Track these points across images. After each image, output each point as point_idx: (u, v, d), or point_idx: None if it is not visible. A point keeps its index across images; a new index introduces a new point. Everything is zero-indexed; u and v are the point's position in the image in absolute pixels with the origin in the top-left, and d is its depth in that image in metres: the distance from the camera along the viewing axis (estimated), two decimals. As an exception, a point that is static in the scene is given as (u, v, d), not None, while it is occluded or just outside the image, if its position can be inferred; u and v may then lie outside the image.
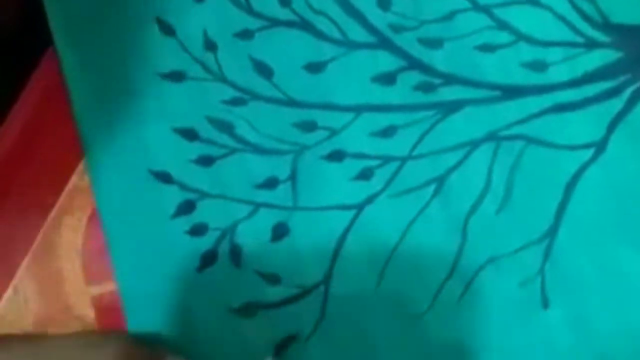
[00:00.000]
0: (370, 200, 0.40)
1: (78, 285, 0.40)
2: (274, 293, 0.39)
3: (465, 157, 0.40)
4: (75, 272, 0.40)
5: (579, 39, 0.40)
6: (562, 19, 0.40)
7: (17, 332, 0.39)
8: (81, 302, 0.40)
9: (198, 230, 0.39)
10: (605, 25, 0.40)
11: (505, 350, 0.38)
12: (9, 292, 0.40)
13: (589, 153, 0.39)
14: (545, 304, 0.39)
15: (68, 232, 0.40)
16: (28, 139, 0.40)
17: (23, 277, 0.40)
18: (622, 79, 0.40)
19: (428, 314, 0.39)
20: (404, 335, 0.38)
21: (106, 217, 0.40)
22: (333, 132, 0.40)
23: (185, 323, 0.39)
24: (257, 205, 0.40)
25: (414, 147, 0.40)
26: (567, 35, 0.40)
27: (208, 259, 0.39)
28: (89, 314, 0.39)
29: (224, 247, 0.39)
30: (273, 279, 0.39)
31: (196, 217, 0.40)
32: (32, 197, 0.40)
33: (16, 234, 0.40)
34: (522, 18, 0.40)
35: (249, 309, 0.39)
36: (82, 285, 0.40)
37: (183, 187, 0.40)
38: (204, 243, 0.39)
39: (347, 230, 0.40)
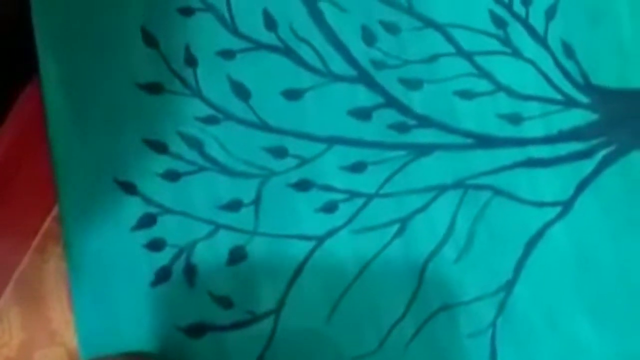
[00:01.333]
0: (331, 233, 0.40)
1: (62, 311, 0.40)
2: (225, 316, 0.39)
3: (431, 201, 0.40)
4: (60, 297, 0.40)
5: (558, 97, 0.40)
6: (543, 74, 0.40)
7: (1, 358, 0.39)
8: (65, 328, 0.39)
9: (156, 245, 0.39)
10: (586, 86, 0.40)
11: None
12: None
13: (555, 212, 0.39)
14: (493, 357, 0.39)
15: (53, 258, 0.40)
16: (17, 155, 0.40)
17: (7, 302, 0.40)
18: (595, 141, 0.40)
19: (376, 354, 0.39)
20: (349, 373, 0.38)
21: (67, 220, 0.40)
22: (303, 161, 0.40)
23: (134, 337, 0.39)
24: (218, 226, 0.40)
25: (382, 185, 0.40)
26: (547, 91, 0.40)
27: (162, 275, 0.39)
28: (74, 340, 0.39)
29: (179, 265, 0.39)
30: (225, 302, 0.39)
31: (156, 231, 0.39)
32: (17, 221, 0.40)
33: (1, 258, 0.40)
34: (504, 69, 0.40)
35: (197, 330, 0.39)
36: (66, 312, 0.39)
37: (146, 199, 0.40)
38: (160, 259, 0.39)
39: (305, 260, 0.39)
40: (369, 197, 0.40)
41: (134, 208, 0.40)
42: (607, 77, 0.40)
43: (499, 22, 0.40)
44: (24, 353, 0.40)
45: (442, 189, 0.40)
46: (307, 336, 0.39)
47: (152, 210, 0.40)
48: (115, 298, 0.39)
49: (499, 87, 0.40)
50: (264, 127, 0.40)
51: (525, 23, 0.40)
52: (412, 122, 0.40)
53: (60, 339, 0.40)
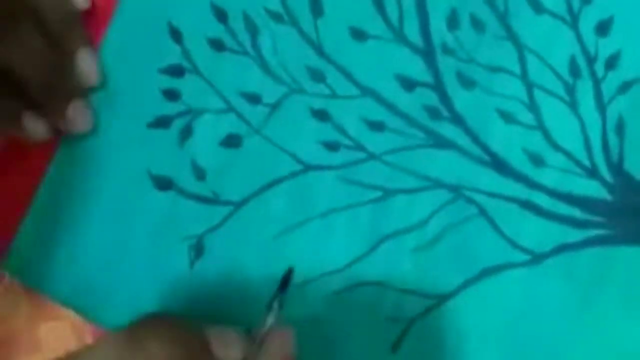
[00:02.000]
0: (319, 168, 0.41)
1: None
2: (194, 185, 0.41)
3: (422, 189, 0.40)
4: None
5: (586, 163, 0.40)
6: (585, 136, 0.40)
7: None
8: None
9: (173, 94, 0.41)
10: (617, 166, 0.39)
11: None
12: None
13: (523, 258, 0.39)
14: (394, 349, 0.39)
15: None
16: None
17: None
18: (597, 219, 0.39)
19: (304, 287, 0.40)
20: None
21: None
22: (333, 95, 0.41)
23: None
24: (230, 108, 0.41)
25: (388, 152, 0.41)
26: (579, 152, 0.40)
27: (162, 121, 0.41)
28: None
29: (181, 122, 0.41)
30: (200, 174, 0.41)
31: (177, 83, 0.41)
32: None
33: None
34: (554, 112, 0.40)
35: (164, 183, 0.42)
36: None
37: (185, 51, 0.41)
38: (169, 108, 0.41)
39: (283, 179, 0.41)
40: (371, 156, 0.41)
41: (172, 54, 0.41)
42: (638, 168, 0.39)
43: (575, 71, 0.40)
44: (31, 325, 0.41)
45: (437, 184, 0.40)
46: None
47: (186, 64, 0.42)
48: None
49: (540, 126, 0.40)
50: (318, 48, 0.41)
51: (597, 84, 0.40)
52: (446, 113, 0.41)
53: (65, 313, 0.41)
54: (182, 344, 0.32)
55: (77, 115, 0.40)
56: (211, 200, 0.41)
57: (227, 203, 0.41)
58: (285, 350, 0.35)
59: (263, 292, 0.38)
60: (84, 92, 0.41)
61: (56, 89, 0.39)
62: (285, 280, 0.36)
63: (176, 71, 0.42)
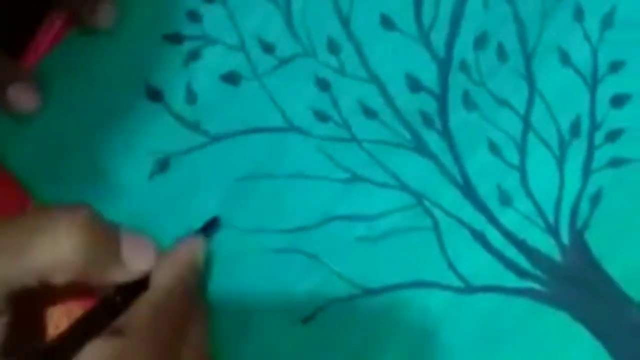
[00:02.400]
0: (300, 131, 0.41)
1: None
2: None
3: (388, 186, 0.41)
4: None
5: (550, 218, 0.40)
6: (560, 193, 0.40)
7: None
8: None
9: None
10: (578, 233, 0.40)
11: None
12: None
13: (457, 284, 0.40)
14: (306, 320, 0.39)
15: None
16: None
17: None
18: (536, 272, 0.39)
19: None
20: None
21: None
22: (341, 69, 0.42)
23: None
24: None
25: (370, 141, 0.41)
26: (548, 206, 0.40)
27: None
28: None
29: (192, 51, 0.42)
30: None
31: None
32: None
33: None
34: (538, 161, 0.40)
35: (155, 94, 0.42)
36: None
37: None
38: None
39: (264, 128, 0.42)
40: (353, 139, 0.41)
41: None
42: (599, 245, 0.39)
43: (575, 130, 0.41)
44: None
45: (403, 186, 0.41)
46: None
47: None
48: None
49: (521, 168, 0.41)
50: (345, 22, 0.42)
51: (591, 149, 0.41)
52: (438, 125, 0.41)
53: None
54: (93, 237, 0.33)
55: (28, 94, 0.40)
56: (191, 126, 0.42)
57: (204, 133, 0.42)
58: (193, 257, 0.36)
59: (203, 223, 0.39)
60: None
61: None
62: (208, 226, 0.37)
63: (206, -5, 0.43)
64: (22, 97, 0.40)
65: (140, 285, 0.34)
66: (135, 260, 0.34)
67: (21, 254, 0.32)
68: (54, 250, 0.33)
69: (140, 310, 0.34)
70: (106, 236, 0.34)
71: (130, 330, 0.33)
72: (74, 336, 0.33)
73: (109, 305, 0.34)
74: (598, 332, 0.38)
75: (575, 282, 0.39)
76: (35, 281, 0.33)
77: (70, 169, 0.42)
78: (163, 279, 0.35)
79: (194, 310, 0.35)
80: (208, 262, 0.38)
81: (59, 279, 0.33)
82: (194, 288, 0.36)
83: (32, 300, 0.34)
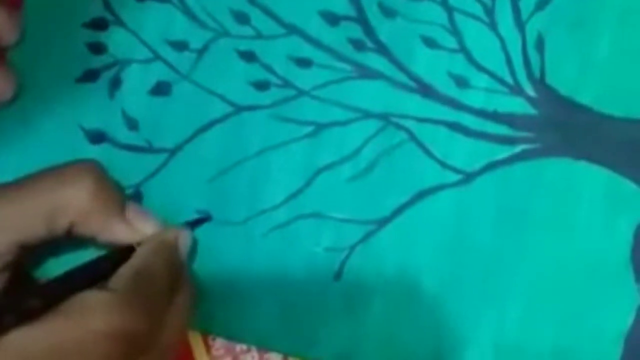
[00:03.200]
0: (251, 108, 0.41)
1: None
2: (127, 136, 0.41)
3: (353, 120, 0.41)
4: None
5: (509, 80, 0.41)
6: (506, 54, 0.41)
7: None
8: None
9: (98, 48, 0.41)
10: (539, 82, 0.40)
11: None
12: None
13: (454, 178, 0.40)
14: (337, 277, 0.40)
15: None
16: None
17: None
18: (523, 134, 0.40)
19: (242, 225, 0.40)
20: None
21: None
22: (258, 35, 0.42)
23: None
24: (157, 57, 0.42)
25: (316, 87, 0.41)
26: (502, 70, 0.41)
27: (90, 76, 0.41)
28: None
29: (108, 75, 0.41)
30: (132, 124, 0.41)
31: (102, 37, 0.42)
32: None
33: None
34: (474, 34, 0.41)
35: (97, 136, 0.41)
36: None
37: (106, 3, 0.42)
38: (95, 61, 0.41)
39: (217, 121, 0.41)
40: (300, 92, 0.41)
41: (94, 8, 0.42)
42: (562, 82, 0.41)
43: (486, 8, 0.41)
44: None
45: (367, 114, 0.41)
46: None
47: (108, 17, 0.42)
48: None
49: (461, 49, 0.41)
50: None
51: (515, 2, 0.41)
52: (370, 45, 0.42)
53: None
54: (99, 186, 0.35)
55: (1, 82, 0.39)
56: (145, 149, 0.41)
57: (161, 151, 0.41)
58: (177, 238, 0.37)
59: (200, 235, 0.39)
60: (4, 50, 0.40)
61: None
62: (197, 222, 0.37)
63: (100, 24, 0.42)
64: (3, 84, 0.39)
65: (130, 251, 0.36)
66: (140, 222, 0.36)
67: (30, 198, 0.34)
68: (60, 192, 0.34)
69: (123, 271, 0.35)
70: (112, 191, 0.35)
71: (114, 286, 0.34)
72: (67, 281, 0.34)
73: (106, 260, 0.35)
74: (600, 160, 0.39)
75: (559, 126, 0.40)
76: (43, 228, 0.34)
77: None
78: (147, 248, 0.36)
79: (178, 284, 0.36)
80: (192, 248, 0.38)
81: (63, 221, 0.34)
82: (177, 264, 0.37)
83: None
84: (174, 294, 0.35)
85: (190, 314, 0.36)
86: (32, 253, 0.36)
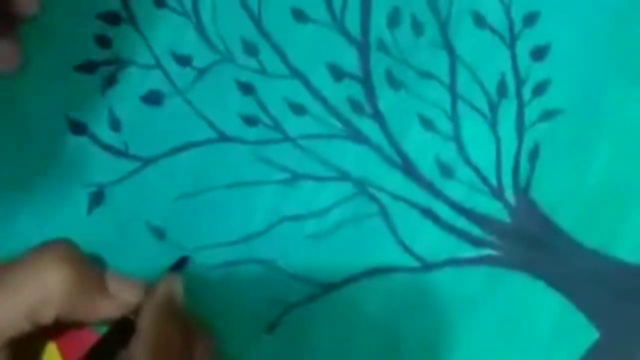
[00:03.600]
0: (236, 140, 0.41)
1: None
2: (109, 137, 0.41)
3: (329, 178, 0.41)
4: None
5: (493, 182, 0.40)
6: (498, 154, 0.40)
7: None
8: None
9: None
10: (523, 192, 0.40)
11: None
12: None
13: (413, 264, 0.40)
14: (271, 328, 0.39)
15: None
16: None
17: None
18: (490, 238, 0.40)
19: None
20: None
21: None
22: (262, 71, 0.41)
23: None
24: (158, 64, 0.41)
25: (304, 136, 0.41)
26: (489, 170, 0.41)
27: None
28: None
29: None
30: (114, 124, 0.41)
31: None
32: None
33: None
34: (472, 127, 0.41)
35: (78, 126, 0.41)
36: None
37: None
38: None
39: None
40: (286, 137, 0.41)
41: (112, 0, 0.42)
42: (546, 199, 0.40)
43: (502, 90, 0.41)
44: None
45: (345, 176, 0.40)
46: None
47: (123, 14, 0.42)
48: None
49: (456, 138, 0.41)
50: (257, 22, 0.41)
51: (521, 107, 0.41)
52: (368, 109, 0.41)
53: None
54: (78, 270, 0.33)
55: (9, 53, 0.39)
56: (121, 153, 0.41)
57: (135, 158, 0.41)
58: (172, 290, 0.35)
59: (153, 250, 0.38)
60: (20, 21, 0.40)
61: None
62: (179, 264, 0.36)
63: (113, 18, 0.42)
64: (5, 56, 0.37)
65: (130, 323, 0.34)
66: (124, 292, 0.34)
67: (10, 298, 0.33)
68: (40, 286, 0.33)
69: (138, 351, 0.33)
70: (90, 269, 0.34)
71: None
72: None
73: (111, 338, 0.34)
74: (558, 285, 0.38)
75: (528, 241, 0.39)
76: (28, 323, 0.33)
77: (6, 216, 0.40)
78: (149, 316, 0.34)
79: (191, 336, 0.34)
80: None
81: (48, 314, 0.33)
82: (182, 317, 0.35)
83: (26, 342, 0.34)
84: (191, 348, 0.34)
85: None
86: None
